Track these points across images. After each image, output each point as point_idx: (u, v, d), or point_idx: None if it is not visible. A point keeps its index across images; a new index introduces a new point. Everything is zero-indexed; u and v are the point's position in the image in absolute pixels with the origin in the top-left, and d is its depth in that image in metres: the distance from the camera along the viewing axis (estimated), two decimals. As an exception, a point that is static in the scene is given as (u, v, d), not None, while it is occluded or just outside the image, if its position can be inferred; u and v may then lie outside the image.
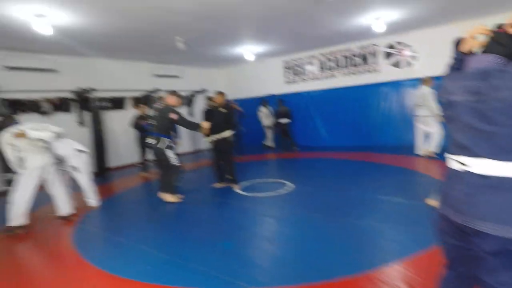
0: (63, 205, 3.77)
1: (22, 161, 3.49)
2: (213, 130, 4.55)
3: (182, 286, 2.18)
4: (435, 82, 5.72)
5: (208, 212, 3.88)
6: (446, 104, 1.14)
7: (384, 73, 7.73)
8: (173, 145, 4.29)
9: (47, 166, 3.62)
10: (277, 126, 8.34)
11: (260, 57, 8.84)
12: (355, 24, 6.07)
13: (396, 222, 3.02)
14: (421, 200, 3.57)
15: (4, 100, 5.56)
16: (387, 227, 2.92)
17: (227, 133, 4.61)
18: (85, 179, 4.22)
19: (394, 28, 6.61)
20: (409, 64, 7.39)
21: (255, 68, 9.85)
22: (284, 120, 8.15)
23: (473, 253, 1.12)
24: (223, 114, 4.57)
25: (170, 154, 4.18)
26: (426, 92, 5.71)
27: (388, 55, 7.63)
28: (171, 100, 4.38)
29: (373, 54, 7.82)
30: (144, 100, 7.97)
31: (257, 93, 9.73)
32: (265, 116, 8.79)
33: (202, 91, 9.28)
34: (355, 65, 8.14)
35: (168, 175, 4.25)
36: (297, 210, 3.62)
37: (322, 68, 8.68)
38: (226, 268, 2.37)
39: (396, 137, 7.61)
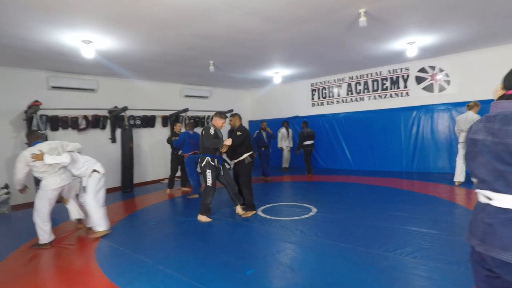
0: (98, 221, 3.82)
1: (40, 180, 3.63)
2: (231, 153, 4.64)
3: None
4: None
5: (230, 233, 3.81)
6: (470, 142, 1.25)
7: (415, 97, 7.50)
8: (214, 164, 4.35)
9: (65, 186, 3.72)
10: (303, 148, 8.12)
11: (287, 79, 8.94)
12: (387, 49, 6.02)
13: (429, 257, 2.79)
14: (456, 234, 3.31)
15: (42, 116, 5.95)
16: (419, 263, 2.70)
17: (244, 156, 4.60)
18: (90, 201, 3.80)
19: (427, 52, 6.46)
20: (442, 88, 7.13)
21: (282, 90, 9.95)
22: (308, 142, 8.00)
23: (500, 283, 1.16)
24: (238, 137, 4.55)
25: (207, 174, 4.31)
26: (472, 117, 5.39)
27: (420, 79, 7.41)
28: (215, 121, 4.54)
29: (404, 77, 7.64)
30: (174, 119, 8.25)
31: (283, 115, 9.78)
32: (283, 137, 8.67)
33: (229, 112, 9.44)
34: (384, 89, 7.98)
35: (203, 195, 4.35)
36: (320, 237, 3.47)
37: (350, 91, 8.59)
38: (247, 297, 2.28)
39: (426, 164, 7.25)
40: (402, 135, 7.56)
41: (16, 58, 5.22)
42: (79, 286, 2.70)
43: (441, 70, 7.08)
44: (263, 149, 7.50)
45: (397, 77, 7.74)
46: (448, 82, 7.03)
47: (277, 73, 7.89)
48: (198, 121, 9.14)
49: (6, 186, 5.62)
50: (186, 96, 8.79)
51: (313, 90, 9.35)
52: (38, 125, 5.63)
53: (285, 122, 8.74)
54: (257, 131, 7.61)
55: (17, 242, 3.82)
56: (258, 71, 7.64)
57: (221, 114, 4.59)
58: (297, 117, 9.38)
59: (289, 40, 5.08)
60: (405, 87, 7.65)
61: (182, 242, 3.58)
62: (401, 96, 7.73)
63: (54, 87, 6.30)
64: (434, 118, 7.14)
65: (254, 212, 4.57)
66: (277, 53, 6.03)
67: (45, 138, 3.74)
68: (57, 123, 6.35)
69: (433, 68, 7.19)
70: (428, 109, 7.20)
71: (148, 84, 8.03)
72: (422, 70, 7.35)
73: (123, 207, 5.70)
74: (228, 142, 4.36)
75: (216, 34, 4.53)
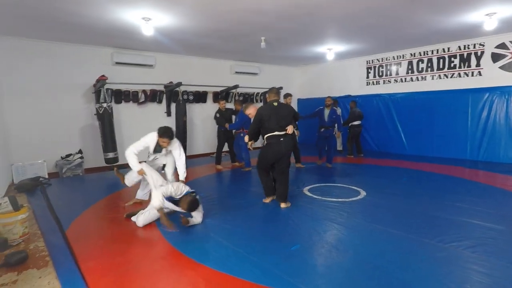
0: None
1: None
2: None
3: (248, 280, 2.24)
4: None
5: (278, 211, 3.89)
6: None
7: (489, 77, 6.64)
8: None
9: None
10: (349, 129, 7.82)
11: (341, 56, 8.50)
12: (460, 21, 5.35)
13: (491, 254, 2.58)
14: (529, 233, 3.00)
15: (108, 89, 6.50)
16: (479, 258, 2.51)
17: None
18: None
19: (509, 25, 5.61)
20: (525, 67, 6.20)
21: (334, 67, 9.51)
22: (357, 122, 7.66)
23: None
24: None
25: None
26: None
27: (497, 56, 6.51)
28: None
29: (477, 55, 6.78)
30: (224, 95, 8.44)
31: (334, 93, 9.38)
32: None
33: (279, 89, 9.35)
34: (452, 67, 7.18)
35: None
36: (369, 221, 3.39)
37: (411, 69, 7.90)
38: (293, 271, 2.36)
39: (496, 153, 6.51)
40: (469, 120, 6.82)
41: (85, 36, 5.70)
42: (141, 243, 3.03)
43: (525, 46, 6.12)
44: (322, 130, 6.43)
45: (469, 54, 6.89)
46: (533, 60, 6.07)
47: (330, 50, 7.53)
48: (248, 98, 9.23)
49: (80, 151, 6.36)
50: (236, 72, 8.88)
51: (368, 68, 8.78)
52: (105, 98, 6.18)
53: (335, 102, 8.40)
54: (321, 107, 6.47)
55: (90, 201, 4.36)
56: (310, 47, 7.36)
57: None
58: (349, 96, 8.95)
59: (345, 14, 4.76)
60: (478, 65, 6.79)
61: (231, 214, 3.76)
62: (472, 75, 6.90)
63: (117, 63, 6.80)
64: (511, 102, 6.30)
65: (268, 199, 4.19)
66: (331, 28, 5.72)
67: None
68: (120, 96, 6.92)
69: (515, 43, 6.24)
70: (504, 91, 6.36)
71: (200, 60, 8.25)
72: (501, 46, 6.42)
73: (176, 177, 6.11)
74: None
75: (269, 8, 4.43)
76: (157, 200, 3.14)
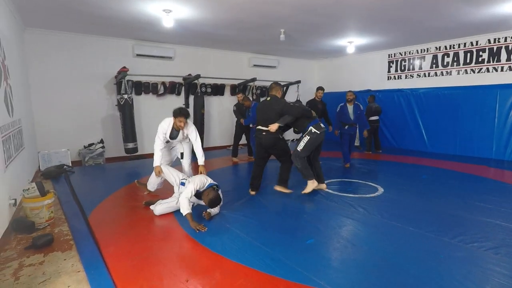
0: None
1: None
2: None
3: (262, 271, 2.27)
4: None
5: (294, 204, 3.89)
6: None
7: (521, 72, 6.29)
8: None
9: None
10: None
11: (361, 49, 8.29)
12: (491, 13, 5.08)
13: (517, 256, 2.48)
14: (558, 236, 2.86)
15: (128, 81, 6.64)
16: (501, 260, 2.42)
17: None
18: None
19: (545, 17, 5.27)
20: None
21: (355, 60, 9.30)
22: (374, 118, 7.49)
23: None
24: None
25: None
26: None
27: (530, 50, 6.15)
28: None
29: (509, 49, 6.43)
30: (242, 88, 8.45)
31: (354, 88, 9.17)
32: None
33: (297, 82, 9.27)
34: (480, 62, 6.86)
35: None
36: (386, 218, 3.33)
37: (435, 63, 7.61)
38: (307, 264, 2.36)
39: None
40: (497, 117, 6.52)
41: (107, 27, 5.83)
42: (159, 230, 3.12)
43: (562, 39, 5.75)
44: (346, 127, 5.88)
45: (499, 48, 6.55)
46: None
47: (351, 43, 7.35)
48: (265, 91, 9.20)
49: (102, 141, 6.58)
50: (254, 65, 8.85)
51: (390, 62, 8.53)
52: (125, 89, 6.33)
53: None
54: (341, 104, 5.98)
55: (110, 189, 4.52)
56: (330, 40, 7.22)
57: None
58: (369, 90, 8.74)
59: (368, 4, 4.63)
60: (508, 60, 6.45)
61: (247, 206, 3.80)
62: (502, 71, 6.57)
63: (138, 55, 6.94)
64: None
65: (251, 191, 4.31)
66: (353, 20, 5.58)
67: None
68: (140, 88, 7.07)
69: (551, 36, 5.87)
70: (537, 88, 6.02)
71: (219, 53, 8.27)
72: (535, 39, 6.06)
73: (194, 168, 6.21)
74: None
75: (289, 0, 4.36)
76: (185, 208, 3.08)
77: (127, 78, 6.55)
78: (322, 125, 4.19)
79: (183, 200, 3.12)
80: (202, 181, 3.34)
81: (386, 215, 3.42)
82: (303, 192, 4.17)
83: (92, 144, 6.49)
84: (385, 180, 4.96)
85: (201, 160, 3.91)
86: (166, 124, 3.86)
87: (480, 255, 2.52)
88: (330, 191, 4.36)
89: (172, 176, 3.71)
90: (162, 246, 2.71)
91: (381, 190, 4.40)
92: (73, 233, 2.92)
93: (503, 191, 4.36)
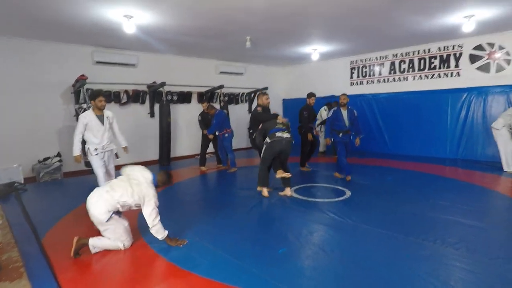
0: None
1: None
2: None
3: (235, 286, 2.19)
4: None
5: (263, 211, 3.87)
6: None
7: (467, 77, 6.85)
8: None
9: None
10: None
11: (325, 56, 8.57)
12: (439, 23, 5.49)
13: (473, 250, 2.64)
14: (505, 228, 3.10)
15: (87, 89, 6.27)
16: (461, 255, 2.56)
17: None
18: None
19: (487, 27, 5.81)
20: (500, 68, 6.43)
21: (319, 67, 9.58)
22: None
23: None
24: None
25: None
26: None
27: (475, 57, 6.73)
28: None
29: (456, 56, 6.98)
30: (210, 95, 8.33)
31: (319, 94, 9.43)
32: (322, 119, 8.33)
33: (264, 89, 9.34)
34: (432, 68, 7.37)
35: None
36: (355, 221, 3.40)
37: (393, 69, 8.05)
38: (280, 275, 2.32)
39: (474, 151, 6.73)
40: (449, 119, 7.02)
41: (64, 34, 5.48)
42: (123, 252, 2.91)
43: (501, 48, 6.35)
44: (340, 135, 5.30)
45: (448, 55, 7.09)
46: (508, 61, 6.31)
47: (315, 50, 7.57)
48: (233, 98, 9.17)
49: (59, 154, 6.12)
50: (222, 72, 8.79)
51: (352, 68, 8.89)
52: (84, 98, 5.96)
53: (335, 102, 8.46)
54: (334, 109, 5.48)
55: (69, 206, 4.18)
56: (295, 48, 7.38)
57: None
58: (333, 96, 9.02)
59: (331, 14, 4.79)
60: (456, 66, 7.00)
61: (217, 217, 3.70)
62: (451, 76, 7.11)
63: (98, 62, 6.58)
64: (487, 102, 6.52)
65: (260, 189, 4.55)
66: (316, 28, 5.75)
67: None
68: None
69: (491, 45, 6.46)
70: (481, 92, 6.58)
71: (185, 60, 8.11)
72: (478, 47, 6.64)
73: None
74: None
75: (254, 7, 4.38)
76: (161, 231, 2.75)
77: (86, 86, 6.18)
78: (282, 134, 4.27)
79: (157, 224, 2.74)
80: (148, 185, 2.82)
81: (355, 218, 3.50)
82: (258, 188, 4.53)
83: (48, 158, 6.01)
84: (351, 183, 5.10)
85: (125, 142, 4.16)
86: (84, 117, 3.83)
87: (443, 252, 2.65)
88: (299, 196, 4.39)
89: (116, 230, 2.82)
90: (126, 268, 2.53)
91: (348, 193, 4.51)
92: (24, 259, 2.64)
93: (458, 188, 4.67)
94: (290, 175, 4.40)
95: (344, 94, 5.48)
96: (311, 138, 5.97)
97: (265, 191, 4.44)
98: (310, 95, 6.18)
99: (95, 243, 2.76)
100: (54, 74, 6.11)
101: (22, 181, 5.46)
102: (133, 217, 3.54)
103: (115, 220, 2.78)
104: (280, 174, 4.40)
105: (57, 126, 6.21)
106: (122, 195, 2.72)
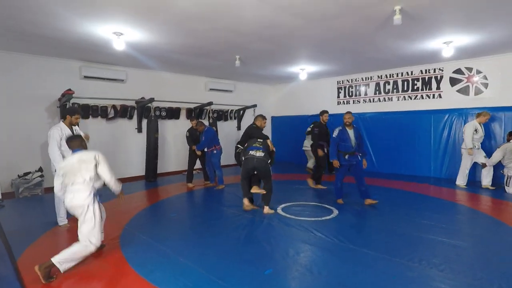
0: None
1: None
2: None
3: (219, 310, 2.12)
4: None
5: (250, 230, 3.81)
6: None
7: (448, 99, 7.13)
8: None
9: None
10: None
11: (313, 76, 8.78)
12: (421, 48, 5.75)
13: (458, 271, 2.65)
14: (488, 248, 3.15)
15: (74, 104, 6.20)
16: (446, 277, 2.57)
17: None
18: None
19: (465, 53, 6.11)
20: (478, 91, 6.73)
21: (307, 86, 9.79)
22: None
23: None
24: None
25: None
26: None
27: (455, 80, 7.03)
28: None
29: (437, 79, 7.28)
30: (198, 112, 8.35)
31: (307, 112, 9.63)
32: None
33: (253, 106, 9.43)
34: (415, 89, 7.64)
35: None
36: (342, 241, 3.39)
37: (378, 90, 8.31)
38: (265, 298, 2.27)
39: (457, 170, 6.86)
40: (432, 139, 7.23)
41: (52, 48, 5.45)
42: (102, 271, 2.81)
43: (478, 72, 6.67)
44: (346, 156, 4.81)
45: (430, 78, 7.39)
46: (485, 85, 6.62)
47: (303, 70, 7.76)
48: (222, 114, 9.20)
49: (40, 169, 5.93)
50: (211, 89, 8.85)
51: (339, 88, 9.12)
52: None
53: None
54: (339, 128, 4.94)
55: (48, 223, 4.03)
56: (284, 67, 7.54)
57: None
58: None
59: (318, 37, 4.96)
60: (438, 88, 7.28)
61: (203, 235, 3.63)
62: (433, 98, 7.38)
63: (86, 77, 6.54)
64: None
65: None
66: (304, 49, 5.92)
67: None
68: (88, 111, 6.60)
69: (470, 69, 6.79)
70: (462, 113, 6.83)
71: (174, 76, 8.15)
72: (458, 71, 6.96)
73: (146, 196, 5.86)
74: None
75: (245, 29, 4.50)
76: (116, 183, 3.00)
77: (73, 101, 6.10)
78: (256, 152, 4.43)
79: (113, 177, 2.97)
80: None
81: (342, 238, 3.49)
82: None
83: (29, 173, 5.81)
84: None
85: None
86: (54, 132, 3.79)
87: (428, 273, 2.65)
88: (287, 215, 4.37)
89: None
90: (106, 290, 2.42)
91: (336, 212, 4.52)
92: (-3, 281, 2.49)
93: (442, 207, 4.74)
94: (264, 192, 4.48)
95: (349, 113, 4.98)
96: (322, 154, 6.06)
97: (245, 202, 4.61)
98: (323, 112, 6.32)
99: (60, 259, 2.67)
100: (40, 88, 6.02)
101: (0, 197, 5.24)
102: (115, 239, 3.43)
103: (97, 207, 2.91)
104: (254, 190, 4.57)
105: (40, 140, 6.05)
106: (85, 176, 2.84)
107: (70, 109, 4.08)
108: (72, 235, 3.67)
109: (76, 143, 3.04)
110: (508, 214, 4.42)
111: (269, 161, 4.50)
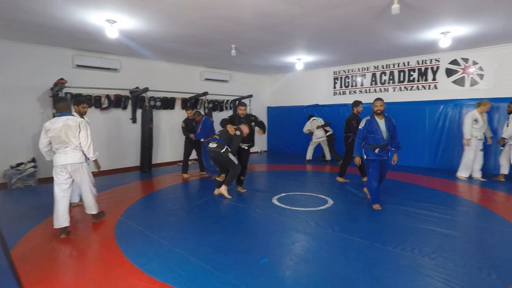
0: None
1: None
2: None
3: (214, 298, 2.14)
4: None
5: (245, 220, 3.84)
6: None
7: (444, 90, 7.15)
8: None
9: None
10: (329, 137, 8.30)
11: (309, 66, 8.72)
12: (418, 38, 5.71)
13: (449, 260, 2.71)
14: (480, 237, 3.20)
15: (67, 93, 6.10)
16: (438, 265, 2.62)
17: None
18: None
19: (461, 44, 6.09)
20: (474, 82, 6.74)
21: (303, 77, 9.73)
22: (330, 132, 8.18)
23: None
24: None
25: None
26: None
27: (451, 71, 7.03)
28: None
29: (433, 69, 7.27)
30: (194, 102, 8.27)
31: (303, 102, 9.61)
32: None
33: (248, 96, 9.37)
34: (411, 80, 7.64)
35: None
36: (336, 230, 3.43)
37: (374, 81, 8.28)
38: (261, 287, 2.29)
39: (451, 161, 6.96)
40: (427, 130, 7.27)
41: (43, 36, 5.31)
42: (98, 262, 2.81)
43: (474, 63, 6.67)
44: (376, 150, 4.16)
45: (426, 69, 7.38)
46: (481, 76, 6.63)
47: (299, 60, 7.69)
48: (217, 105, 9.14)
49: (33, 160, 5.87)
50: (206, 79, 8.76)
51: (335, 79, 9.08)
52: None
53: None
54: (367, 118, 4.28)
55: (42, 214, 4.01)
56: (280, 57, 7.47)
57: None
58: (317, 105, 9.18)
59: (315, 26, 4.89)
60: (434, 79, 7.29)
61: (198, 226, 3.64)
62: (429, 88, 7.38)
63: (78, 66, 6.41)
64: (462, 114, 6.78)
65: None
66: (302, 39, 5.85)
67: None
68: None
69: (466, 60, 6.78)
70: (457, 104, 6.85)
71: (169, 65, 8.03)
72: (454, 62, 6.95)
73: (141, 186, 5.85)
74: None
75: (241, 17, 4.42)
76: (94, 150, 3.43)
77: (65, 90, 6.00)
78: (212, 144, 4.75)
79: (91, 144, 3.36)
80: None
81: (336, 227, 3.52)
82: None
83: (21, 163, 5.75)
84: (333, 191, 5.16)
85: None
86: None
87: (420, 262, 2.70)
88: (282, 205, 4.39)
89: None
90: (102, 281, 2.43)
91: (330, 202, 4.55)
92: (-10, 272, 2.48)
93: (435, 197, 4.80)
94: (220, 180, 5.00)
95: (379, 99, 4.21)
96: None
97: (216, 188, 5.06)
98: (357, 103, 5.77)
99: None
100: (31, 77, 5.90)
101: (-7, 188, 5.19)
102: (110, 230, 3.43)
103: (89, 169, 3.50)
104: (218, 178, 5.14)
105: (33, 131, 5.97)
106: (75, 142, 3.28)
107: (76, 100, 4.13)
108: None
109: (63, 105, 3.18)
110: (500, 204, 4.49)
111: (225, 149, 4.67)
